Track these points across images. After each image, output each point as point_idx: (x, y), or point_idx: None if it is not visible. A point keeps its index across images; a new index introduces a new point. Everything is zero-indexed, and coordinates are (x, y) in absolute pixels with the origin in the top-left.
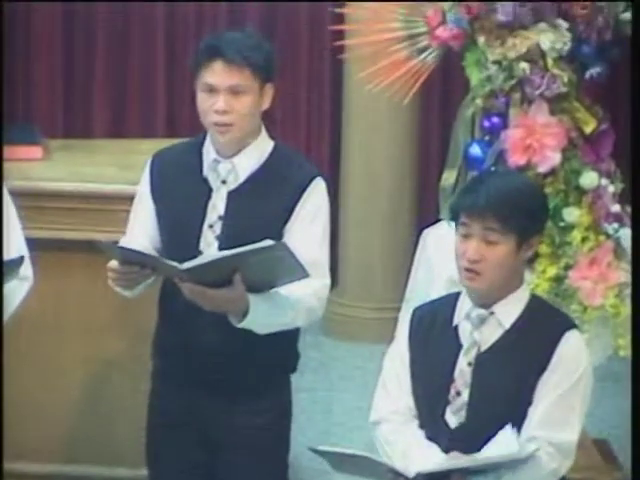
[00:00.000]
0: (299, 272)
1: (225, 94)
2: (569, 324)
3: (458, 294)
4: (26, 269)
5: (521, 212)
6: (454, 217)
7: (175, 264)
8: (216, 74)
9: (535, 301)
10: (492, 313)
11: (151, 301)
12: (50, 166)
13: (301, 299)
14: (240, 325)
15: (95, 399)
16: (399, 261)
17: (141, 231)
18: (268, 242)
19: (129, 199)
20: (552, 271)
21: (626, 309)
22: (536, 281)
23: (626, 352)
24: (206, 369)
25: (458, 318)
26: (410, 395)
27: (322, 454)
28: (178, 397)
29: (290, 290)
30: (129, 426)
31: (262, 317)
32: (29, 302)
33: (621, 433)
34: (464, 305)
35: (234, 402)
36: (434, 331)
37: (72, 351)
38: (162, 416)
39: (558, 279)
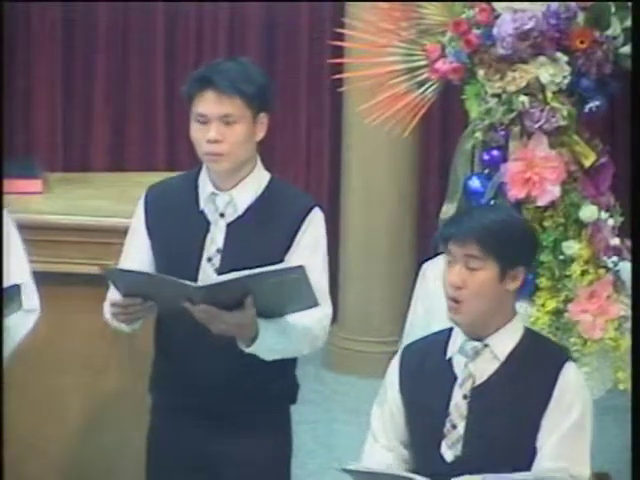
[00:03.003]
0: (310, 299)
1: (217, 124)
2: (566, 356)
3: (451, 329)
4: (32, 301)
5: (501, 240)
6: (442, 246)
7: (190, 283)
8: (207, 104)
9: (529, 333)
10: (486, 345)
11: (151, 334)
12: (49, 199)
13: (307, 327)
14: (248, 350)
15: (95, 432)
16: (399, 295)
17: (134, 266)
18: (294, 264)
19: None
20: (552, 304)
21: (626, 342)
22: (536, 314)
23: (626, 385)
24: (204, 403)
25: (452, 351)
26: (401, 443)
27: (350, 473)
28: (176, 431)
29: (297, 317)
30: (129, 460)
31: (270, 343)
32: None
33: (622, 467)
34: (457, 338)
35: (233, 435)
36: (427, 366)
37: (71, 384)
38: (161, 450)
39: (558, 312)
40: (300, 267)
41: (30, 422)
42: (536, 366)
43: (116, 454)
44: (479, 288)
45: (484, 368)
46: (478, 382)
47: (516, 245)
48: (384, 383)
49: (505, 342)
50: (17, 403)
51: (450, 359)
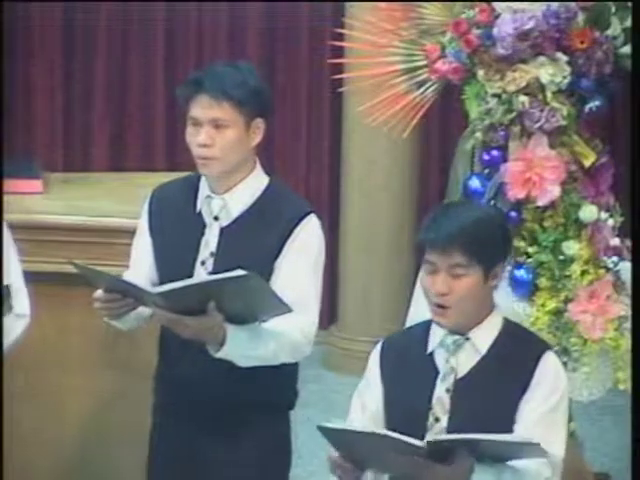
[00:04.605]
0: (279, 306)
1: (207, 128)
2: (545, 346)
3: (430, 322)
4: (23, 306)
5: (483, 243)
6: (420, 252)
7: (148, 289)
8: (199, 108)
9: (509, 325)
10: (467, 339)
11: (152, 334)
12: (50, 200)
13: (284, 333)
14: (217, 355)
15: (96, 433)
16: (399, 295)
17: (139, 265)
18: (239, 272)
19: (128, 232)
20: (552, 304)
21: (626, 342)
22: (536, 314)
23: (626, 385)
24: (203, 406)
25: (432, 345)
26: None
27: (327, 432)
28: (176, 433)
29: (273, 324)
30: (131, 460)
31: (241, 348)
32: (29, 335)
33: (622, 466)
34: (437, 332)
35: (232, 438)
36: (408, 360)
37: (73, 385)
38: (161, 451)
39: (558, 312)
40: (253, 275)
41: (30, 422)
42: (516, 357)
43: (117, 454)
44: (465, 293)
45: (466, 361)
46: (460, 375)
47: (496, 244)
48: (365, 375)
49: (486, 335)
50: (17, 404)
51: (431, 353)
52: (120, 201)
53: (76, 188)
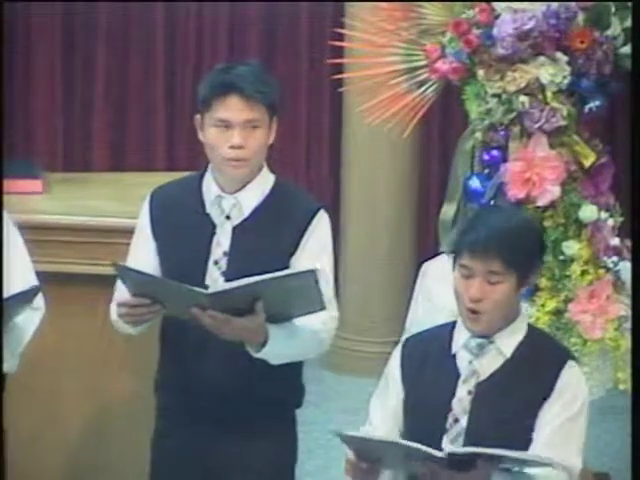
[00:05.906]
0: (318, 303)
1: (240, 129)
2: (569, 354)
3: (454, 323)
4: (38, 299)
5: (522, 252)
6: (455, 256)
7: (200, 289)
8: (231, 109)
9: (533, 331)
10: (492, 342)
11: (151, 336)
12: (50, 199)
13: (316, 332)
14: (258, 355)
15: (94, 435)
16: (399, 295)
17: (140, 267)
18: (303, 268)
19: (128, 232)
20: (552, 304)
21: (626, 342)
22: (536, 314)
23: (626, 385)
24: (210, 406)
25: (456, 347)
26: (400, 433)
27: (348, 440)
28: (182, 435)
29: (306, 322)
30: (128, 462)
31: (280, 348)
32: None
33: (622, 466)
34: (461, 333)
35: (239, 439)
36: (430, 360)
37: (71, 385)
38: (166, 454)
39: (558, 312)
40: (312, 271)
41: (29, 423)
42: (540, 363)
43: (116, 455)
44: (500, 300)
45: (489, 364)
46: (482, 378)
47: (533, 254)
48: (384, 375)
49: (510, 339)
50: (15, 404)
51: (454, 355)
52: (120, 201)
53: (76, 188)
